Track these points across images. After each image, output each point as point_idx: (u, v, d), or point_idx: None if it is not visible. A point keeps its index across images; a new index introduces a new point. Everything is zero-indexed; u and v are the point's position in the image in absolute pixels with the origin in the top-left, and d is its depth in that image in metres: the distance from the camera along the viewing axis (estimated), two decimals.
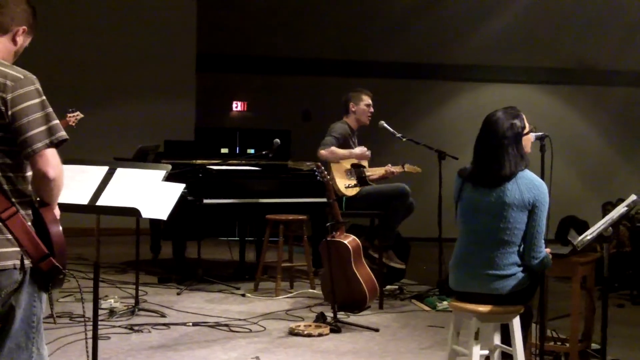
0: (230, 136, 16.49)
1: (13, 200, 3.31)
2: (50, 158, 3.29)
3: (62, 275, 3.38)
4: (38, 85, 3.34)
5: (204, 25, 15.46)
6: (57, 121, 3.35)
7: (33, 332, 3.41)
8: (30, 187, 3.38)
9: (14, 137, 3.27)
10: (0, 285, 3.28)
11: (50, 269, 3.34)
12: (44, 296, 3.46)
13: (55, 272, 3.35)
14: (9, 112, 3.26)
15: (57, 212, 3.47)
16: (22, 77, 3.33)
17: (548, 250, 4.84)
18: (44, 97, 3.34)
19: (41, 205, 3.37)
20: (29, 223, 3.33)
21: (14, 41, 3.52)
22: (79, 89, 14.01)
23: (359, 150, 8.68)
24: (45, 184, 3.31)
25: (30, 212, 3.36)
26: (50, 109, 3.34)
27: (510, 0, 16.13)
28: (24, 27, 3.54)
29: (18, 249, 3.29)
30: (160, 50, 14.80)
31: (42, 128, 3.28)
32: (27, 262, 3.31)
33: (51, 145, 3.29)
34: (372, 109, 8.88)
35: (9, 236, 3.28)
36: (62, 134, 3.34)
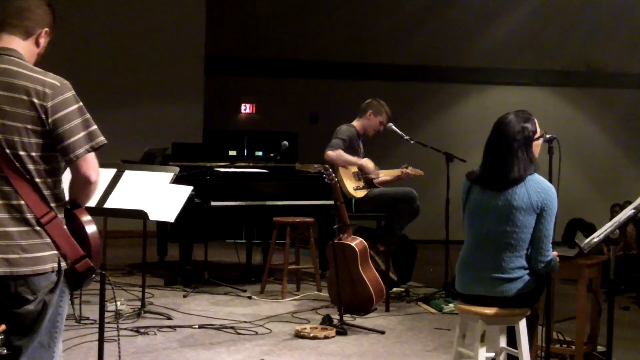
0: (239, 138, 16.52)
1: (52, 205, 3.35)
2: (92, 162, 3.36)
3: (95, 275, 3.44)
4: (73, 91, 3.38)
5: (212, 28, 15.50)
6: (95, 126, 3.39)
7: (56, 332, 3.44)
8: (62, 191, 3.43)
9: (53, 143, 3.31)
10: (39, 287, 3.32)
11: (85, 270, 3.38)
12: (69, 296, 3.51)
13: (89, 273, 3.40)
14: (50, 120, 3.29)
15: None
16: (58, 84, 3.35)
17: (555, 253, 4.84)
18: (81, 103, 3.38)
19: (74, 207, 3.43)
20: (65, 226, 3.38)
21: (36, 44, 3.54)
22: (87, 91, 13.89)
23: (367, 162, 8.66)
24: (86, 187, 3.39)
25: (63, 215, 3.40)
26: (88, 115, 3.38)
27: (517, 3, 16.13)
28: (46, 29, 3.55)
29: (56, 252, 3.33)
30: (169, 52, 14.85)
31: (83, 134, 3.33)
32: (63, 264, 3.36)
33: (91, 150, 3.35)
34: (382, 129, 8.89)
35: (48, 240, 3.32)
36: (102, 139, 3.40)
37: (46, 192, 3.34)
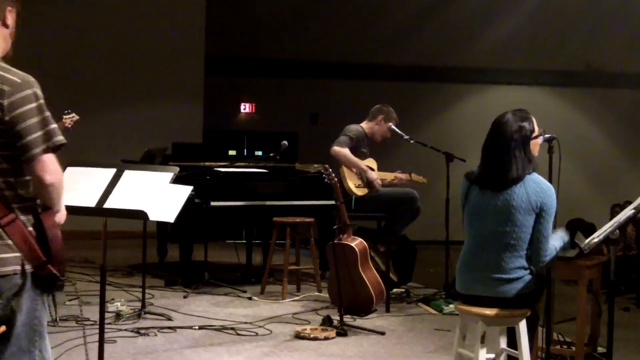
0: (238, 138, 16.54)
1: (13, 205, 3.27)
2: (48, 164, 3.25)
3: (60, 281, 3.37)
4: (36, 89, 3.28)
5: (213, 28, 15.49)
6: (54, 125, 3.30)
7: (36, 336, 3.39)
8: (31, 191, 3.34)
9: (13, 142, 3.23)
10: (2, 289, 3.26)
11: (48, 275, 3.32)
12: (47, 300, 3.46)
13: (52, 279, 3.34)
14: (6, 118, 3.21)
15: (62, 215, 3.44)
16: (19, 81, 3.26)
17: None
18: (41, 101, 3.28)
19: (44, 210, 3.34)
20: (30, 228, 3.30)
21: (5, 25, 3.40)
22: (87, 91, 14.07)
23: (370, 165, 8.61)
24: (43, 190, 3.28)
25: (31, 217, 3.32)
26: (47, 113, 3.29)
27: (517, 4, 16.13)
28: (8, 7, 3.41)
29: (19, 254, 3.27)
30: (169, 52, 14.85)
31: (39, 133, 3.24)
32: (27, 267, 3.29)
33: (48, 150, 3.25)
34: (389, 135, 8.87)
35: (9, 242, 3.26)
36: (59, 138, 3.29)
37: (7, 193, 3.27)
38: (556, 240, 4.82)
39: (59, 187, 3.33)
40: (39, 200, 3.36)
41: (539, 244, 4.68)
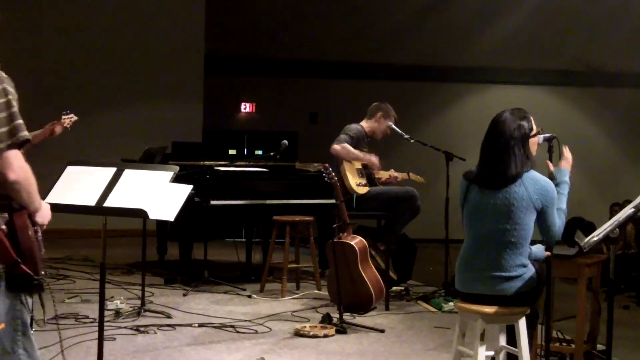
0: (238, 138, 16.53)
1: None
2: (12, 160, 3.21)
3: (34, 281, 3.33)
4: (6, 85, 3.26)
5: (212, 28, 15.48)
6: (20, 121, 3.26)
7: (19, 336, 3.37)
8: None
9: None
10: None
11: (21, 275, 3.29)
12: (27, 300, 3.43)
13: (26, 279, 3.31)
14: None
15: (43, 214, 3.42)
16: None
17: (548, 253, 4.89)
18: (10, 97, 3.26)
19: (18, 209, 3.31)
20: (3, 227, 3.26)
21: None
22: (87, 90, 14.07)
23: (373, 157, 8.63)
24: (8, 187, 3.24)
25: (6, 215, 3.29)
26: (14, 109, 3.26)
27: (517, 3, 16.12)
28: None
29: None
30: (169, 52, 14.84)
31: (4, 129, 3.21)
32: (0, 266, 3.27)
33: (13, 146, 3.22)
34: (389, 132, 8.87)
35: None
36: (24, 134, 3.25)
37: None
38: (561, 201, 4.83)
39: (26, 184, 3.28)
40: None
41: (549, 233, 4.76)
